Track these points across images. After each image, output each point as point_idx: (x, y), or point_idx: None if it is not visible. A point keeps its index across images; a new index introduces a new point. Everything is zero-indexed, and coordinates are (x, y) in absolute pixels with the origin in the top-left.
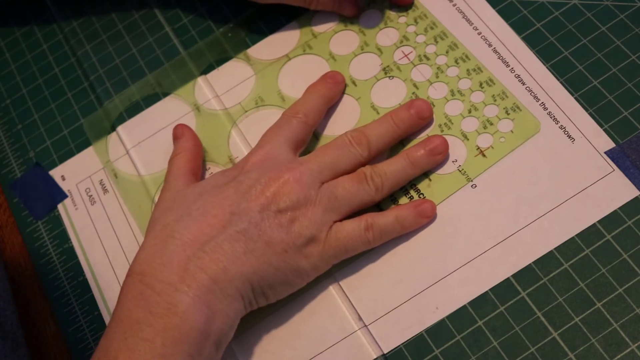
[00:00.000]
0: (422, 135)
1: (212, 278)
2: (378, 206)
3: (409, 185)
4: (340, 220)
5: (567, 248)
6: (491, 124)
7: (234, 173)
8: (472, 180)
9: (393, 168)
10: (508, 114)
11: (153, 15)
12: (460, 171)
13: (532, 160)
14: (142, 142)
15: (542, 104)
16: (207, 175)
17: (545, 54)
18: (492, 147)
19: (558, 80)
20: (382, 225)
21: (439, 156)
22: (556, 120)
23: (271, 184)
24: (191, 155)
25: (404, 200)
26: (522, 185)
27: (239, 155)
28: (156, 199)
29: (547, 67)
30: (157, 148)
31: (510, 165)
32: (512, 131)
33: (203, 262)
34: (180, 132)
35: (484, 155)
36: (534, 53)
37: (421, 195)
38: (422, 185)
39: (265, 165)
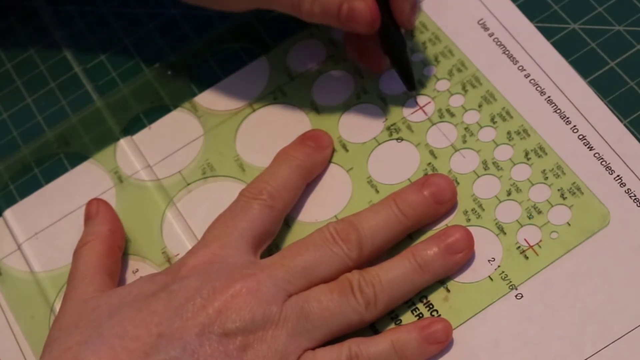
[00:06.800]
0: (440, 227)
1: None
2: (373, 327)
3: (417, 297)
4: (314, 349)
5: None
6: (539, 212)
7: (166, 279)
8: (516, 288)
9: (392, 274)
10: (564, 199)
11: (56, 51)
12: (492, 278)
13: (602, 260)
14: (40, 233)
15: (618, 177)
16: (132, 277)
17: (622, 105)
18: (540, 246)
19: None
20: (372, 355)
21: (459, 256)
22: (638, 202)
23: (216, 296)
24: (106, 246)
25: (409, 318)
26: (587, 296)
27: (179, 252)
28: (57, 309)
29: (624, 125)
30: (61, 238)
31: (571, 267)
32: (568, 224)
33: None
34: (94, 211)
35: (530, 255)
36: (605, 104)
37: (434, 313)
38: (436, 298)
39: (211, 270)
